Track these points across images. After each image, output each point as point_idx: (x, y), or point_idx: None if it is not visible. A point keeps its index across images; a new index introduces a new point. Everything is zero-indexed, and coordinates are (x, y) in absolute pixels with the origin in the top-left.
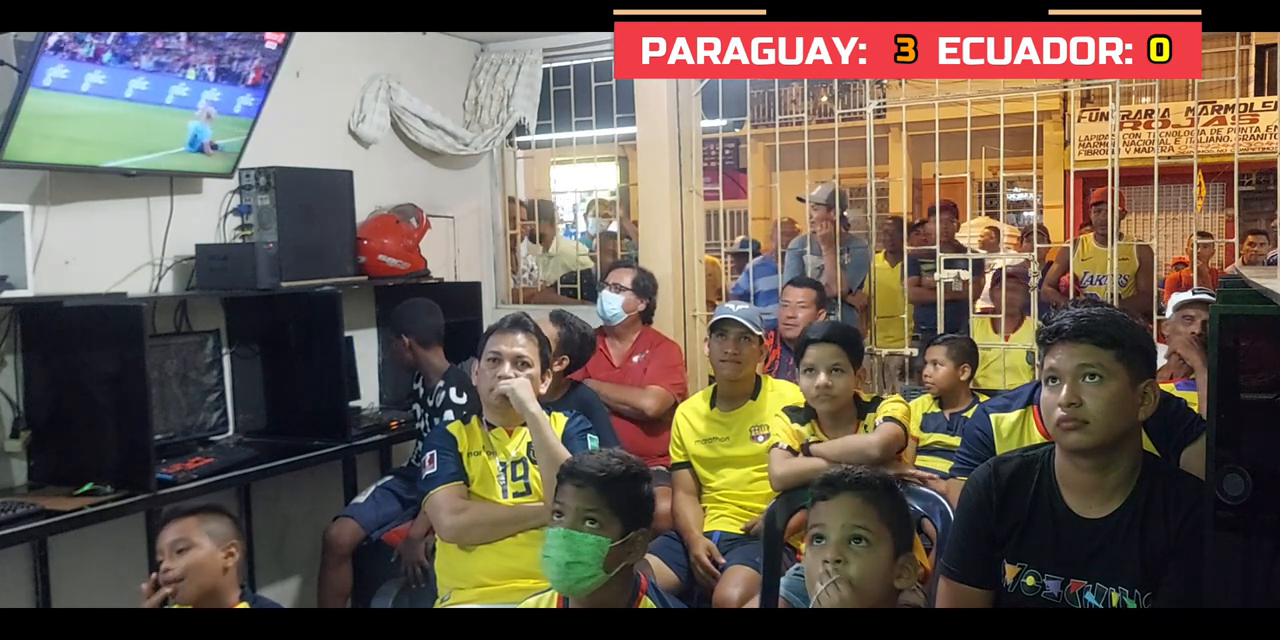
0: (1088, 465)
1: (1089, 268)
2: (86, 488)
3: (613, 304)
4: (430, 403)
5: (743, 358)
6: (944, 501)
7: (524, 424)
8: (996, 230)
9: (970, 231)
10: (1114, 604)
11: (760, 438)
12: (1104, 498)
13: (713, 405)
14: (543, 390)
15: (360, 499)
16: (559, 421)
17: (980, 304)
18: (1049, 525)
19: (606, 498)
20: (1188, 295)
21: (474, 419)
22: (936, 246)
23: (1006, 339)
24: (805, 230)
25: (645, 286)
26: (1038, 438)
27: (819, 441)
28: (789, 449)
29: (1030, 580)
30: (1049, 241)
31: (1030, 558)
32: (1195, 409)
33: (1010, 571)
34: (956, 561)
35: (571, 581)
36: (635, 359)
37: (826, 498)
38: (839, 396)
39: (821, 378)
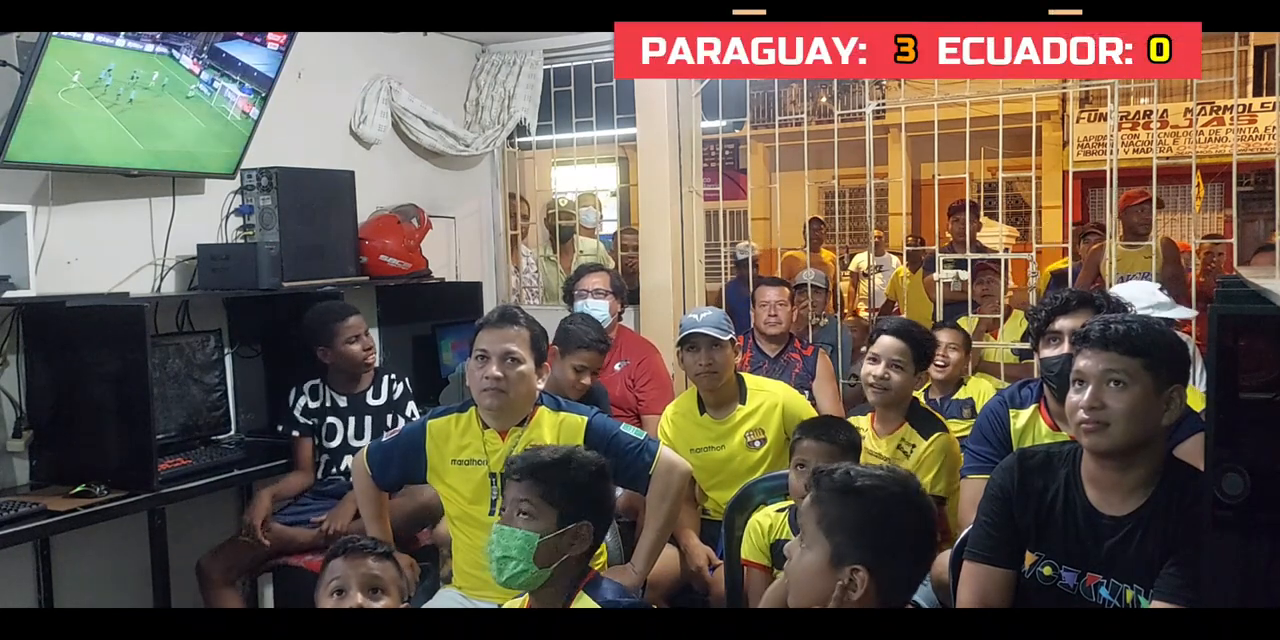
0: (1109, 464)
1: (1119, 269)
2: (79, 489)
3: (601, 311)
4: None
5: (718, 367)
6: None
7: (520, 423)
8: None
9: (991, 234)
10: (1128, 601)
11: (757, 443)
12: (1124, 496)
13: (702, 412)
14: (540, 385)
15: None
16: (578, 424)
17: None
18: (1070, 519)
19: (539, 489)
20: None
21: (471, 409)
22: (936, 246)
23: (978, 337)
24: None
25: (620, 287)
26: (1046, 434)
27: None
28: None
29: (1047, 569)
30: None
31: (1049, 548)
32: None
33: (1029, 559)
34: (980, 545)
35: (505, 577)
36: (617, 367)
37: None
38: (894, 390)
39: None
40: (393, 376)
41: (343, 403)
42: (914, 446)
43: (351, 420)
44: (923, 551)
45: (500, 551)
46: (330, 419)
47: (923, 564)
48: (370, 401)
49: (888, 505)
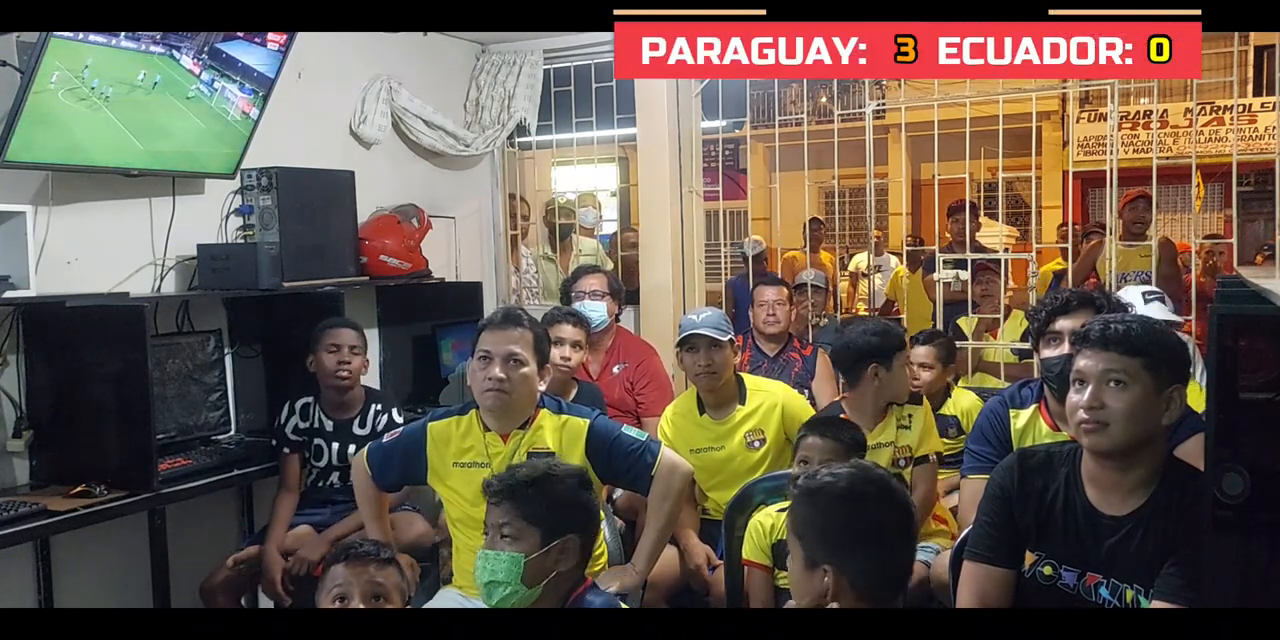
0: (1109, 464)
1: (1118, 268)
2: (79, 489)
3: (599, 312)
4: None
5: (717, 367)
6: None
7: (522, 426)
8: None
9: (991, 233)
10: (1128, 601)
11: (757, 443)
12: (1124, 496)
13: (702, 412)
14: (541, 387)
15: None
16: (580, 426)
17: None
18: (1070, 518)
19: (519, 509)
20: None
21: (473, 412)
22: (936, 246)
23: (978, 337)
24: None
25: (618, 289)
26: (1046, 434)
27: None
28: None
29: (1048, 569)
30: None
31: (1049, 548)
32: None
33: (1029, 558)
34: (980, 545)
35: (495, 602)
36: (615, 369)
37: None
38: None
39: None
40: (379, 407)
41: (329, 426)
42: (910, 416)
43: (336, 445)
44: (888, 541)
45: (488, 576)
46: (316, 441)
47: (893, 553)
48: (356, 431)
49: (840, 501)
